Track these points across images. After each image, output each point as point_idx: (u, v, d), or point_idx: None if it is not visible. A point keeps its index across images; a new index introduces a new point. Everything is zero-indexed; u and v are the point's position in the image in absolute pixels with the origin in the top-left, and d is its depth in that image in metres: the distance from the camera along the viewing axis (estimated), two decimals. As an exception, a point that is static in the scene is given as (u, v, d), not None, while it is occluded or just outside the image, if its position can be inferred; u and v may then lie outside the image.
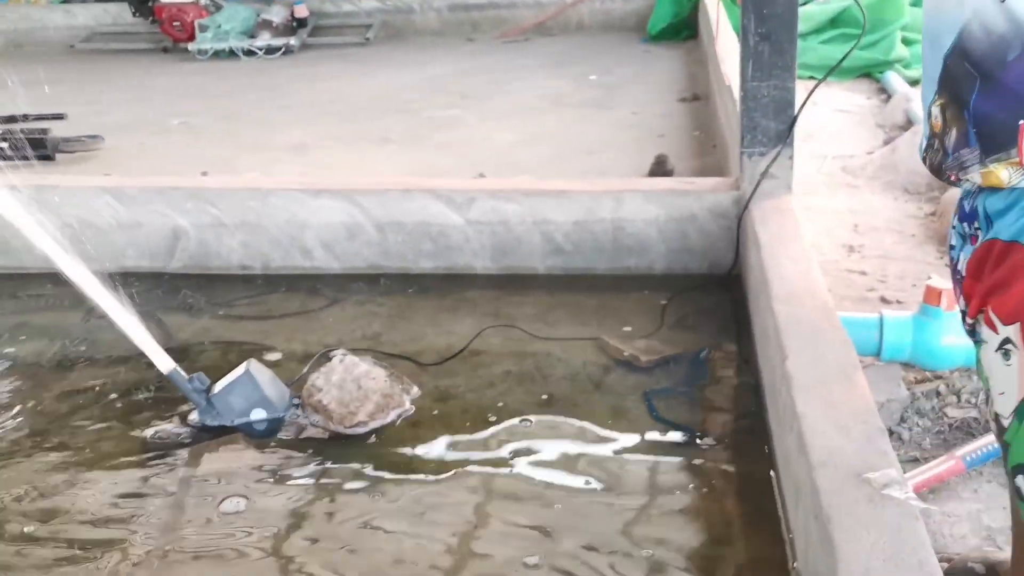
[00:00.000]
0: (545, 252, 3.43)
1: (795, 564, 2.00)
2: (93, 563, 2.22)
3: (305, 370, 2.88)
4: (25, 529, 2.35)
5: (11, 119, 5.44)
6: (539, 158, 4.67)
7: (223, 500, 2.44)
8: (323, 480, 2.50)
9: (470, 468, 2.51)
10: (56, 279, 2.73)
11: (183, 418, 2.74)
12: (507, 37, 7.65)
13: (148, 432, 2.71)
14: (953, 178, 1.60)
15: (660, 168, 4.14)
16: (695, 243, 3.34)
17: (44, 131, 5.03)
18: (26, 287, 3.61)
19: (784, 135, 3.15)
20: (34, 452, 2.67)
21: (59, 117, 5.64)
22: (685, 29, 7.20)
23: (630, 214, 3.34)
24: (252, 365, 2.77)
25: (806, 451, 1.86)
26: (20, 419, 2.82)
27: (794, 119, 3.15)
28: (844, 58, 3.75)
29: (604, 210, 3.34)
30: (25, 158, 4.67)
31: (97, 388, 2.95)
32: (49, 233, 2.62)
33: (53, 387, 2.98)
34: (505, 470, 2.50)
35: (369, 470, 2.52)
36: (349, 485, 2.47)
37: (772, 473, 2.34)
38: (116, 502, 2.44)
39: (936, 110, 1.58)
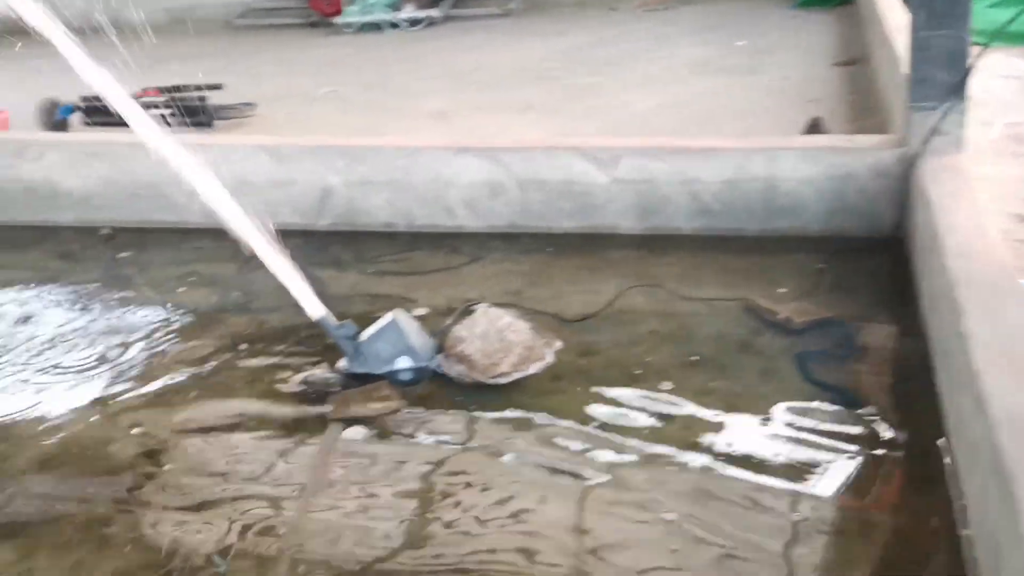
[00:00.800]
0: (692, 212, 3.34)
1: (966, 531, 1.87)
2: (233, 487, 2.32)
3: (449, 321, 2.89)
4: (181, 462, 2.46)
5: (174, 88, 5.71)
6: (684, 123, 4.54)
7: (348, 427, 2.52)
8: (461, 426, 2.51)
9: (614, 423, 2.46)
10: (213, 233, 2.85)
11: (332, 364, 2.81)
12: (649, 5, 7.49)
13: (298, 377, 2.79)
14: None
15: (815, 131, 3.95)
16: (854, 203, 3.16)
17: (203, 99, 5.25)
18: (188, 240, 3.79)
19: (957, 88, 2.93)
20: (193, 393, 2.79)
21: (217, 87, 5.88)
22: (838, -6, 6.86)
23: (784, 173, 3.19)
24: (398, 314, 2.81)
25: (985, 410, 1.72)
26: (182, 363, 2.95)
27: (968, 71, 2.93)
28: (1013, 19, 3.48)
29: (756, 168, 3.21)
30: (186, 124, 4.90)
31: (251, 333, 3.06)
32: (216, 188, 2.73)
33: (212, 333, 3.11)
34: (649, 426, 2.44)
35: (508, 421, 2.51)
36: (486, 433, 2.47)
37: (941, 437, 2.19)
38: (264, 436, 2.53)
39: None
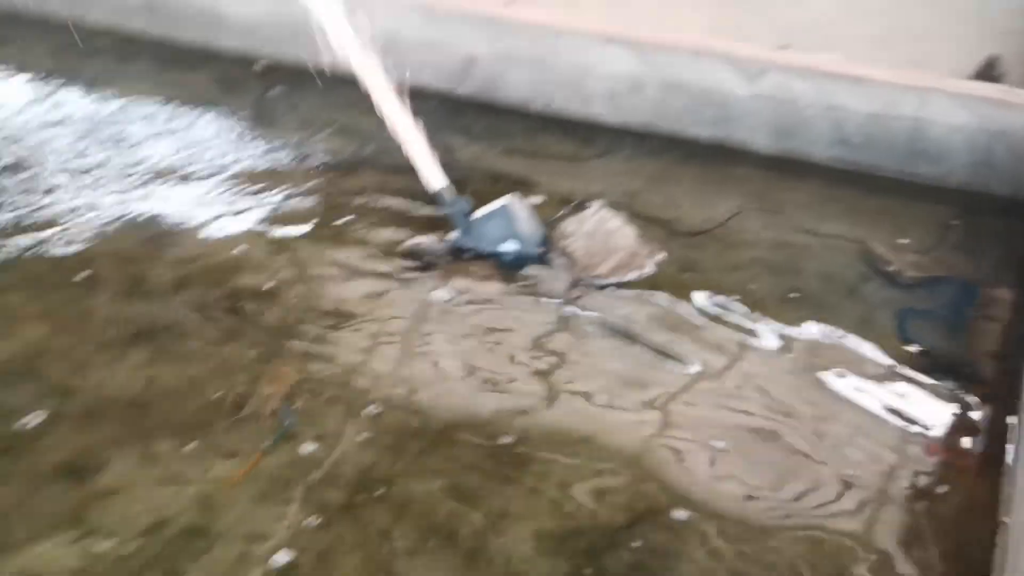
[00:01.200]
0: (831, 140, 3.22)
1: (1005, 518, 1.87)
2: (329, 332, 2.54)
3: (561, 214, 2.96)
4: (287, 301, 2.69)
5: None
6: (856, 37, 4.26)
7: (435, 289, 2.71)
8: (547, 314, 2.63)
9: (697, 342, 2.53)
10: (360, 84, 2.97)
11: (443, 235, 2.94)
12: None
13: (410, 241, 2.94)
14: None
15: (988, 71, 3.67)
16: (1002, 161, 2.99)
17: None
18: (337, 87, 3.90)
19: None
20: (311, 238, 2.99)
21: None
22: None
23: (934, 116, 3.03)
24: (513, 199, 2.90)
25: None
26: (305, 207, 3.15)
27: None
28: None
29: (906, 106, 3.06)
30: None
31: (375, 191, 3.22)
32: (357, 41, 2.84)
33: (340, 182, 3.29)
34: (731, 351, 2.49)
35: (595, 322, 2.61)
36: (571, 324, 2.58)
37: (1013, 420, 2.16)
38: (367, 294, 2.72)
39: None
